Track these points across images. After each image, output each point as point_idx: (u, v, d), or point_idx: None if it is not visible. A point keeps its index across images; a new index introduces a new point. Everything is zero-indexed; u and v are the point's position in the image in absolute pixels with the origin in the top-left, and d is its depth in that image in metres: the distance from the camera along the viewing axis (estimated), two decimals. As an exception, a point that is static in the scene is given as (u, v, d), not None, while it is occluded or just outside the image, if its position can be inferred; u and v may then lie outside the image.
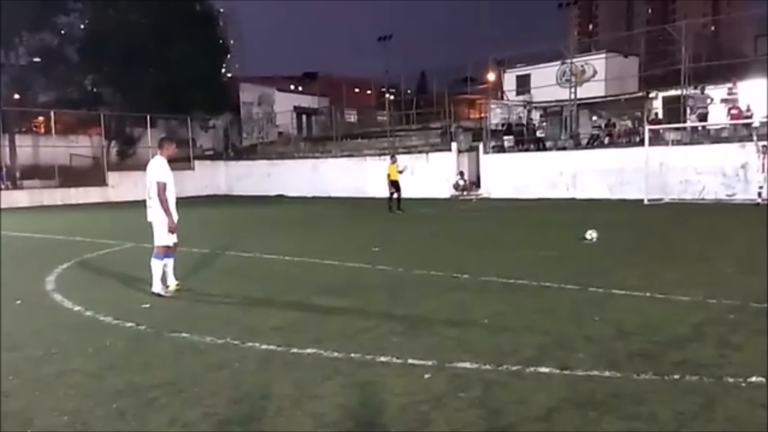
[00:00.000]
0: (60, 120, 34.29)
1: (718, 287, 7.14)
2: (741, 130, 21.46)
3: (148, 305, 7.00)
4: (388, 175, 20.25)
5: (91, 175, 33.26)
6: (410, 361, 4.77)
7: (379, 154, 30.41)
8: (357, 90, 66.21)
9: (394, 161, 20.62)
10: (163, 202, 7.24)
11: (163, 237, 7.39)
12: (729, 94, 23.13)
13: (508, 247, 11.50)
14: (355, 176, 30.82)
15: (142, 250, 11.63)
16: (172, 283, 7.65)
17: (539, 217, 18.18)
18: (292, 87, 56.24)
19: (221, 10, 66.11)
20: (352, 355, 4.96)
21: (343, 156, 33.32)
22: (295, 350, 5.15)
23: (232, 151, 40.56)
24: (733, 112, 22.05)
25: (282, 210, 23.68)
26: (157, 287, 7.45)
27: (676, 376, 4.29)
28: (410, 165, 23.78)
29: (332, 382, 4.41)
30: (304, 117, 45.52)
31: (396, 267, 9.17)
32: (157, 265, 7.44)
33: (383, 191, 21.29)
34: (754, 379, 4.18)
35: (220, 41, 45.62)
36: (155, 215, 7.36)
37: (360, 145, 34.57)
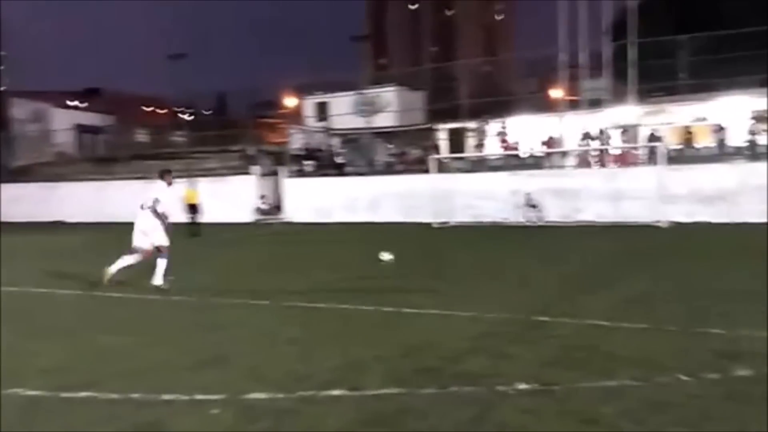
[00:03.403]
0: None
1: (496, 302, 7.84)
2: (512, 160, 24.21)
3: None
4: (185, 199, 19.39)
5: None
6: (198, 396, 4.52)
7: (175, 177, 28.86)
8: (148, 108, 62.37)
9: (192, 185, 19.93)
10: (164, 216, 9.54)
11: (163, 238, 9.34)
12: (502, 127, 26.07)
13: (308, 270, 11.55)
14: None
15: None
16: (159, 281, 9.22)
17: (339, 240, 18.60)
18: (73, 103, 51.05)
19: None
20: (132, 395, 4.55)
21: (132, 178, 31.04)
22: (65, 394, 4.62)
23: (3, 172, 35.68)
24: (502, 145, 24.95)
25: (59, 238, 21.30)
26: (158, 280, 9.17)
27: (455, 388, 4.60)
28: (209, 188, 22.98)
29: (109, 426, 4.02)
30: (87, 136, 41.67)
31: (191, 296, 8.72)
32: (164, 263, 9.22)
33: (179, 216, 20.23)
34: (520, 386, 4.62)
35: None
36: (148, 223, 9.38)
37: (152, 167, 32.42)
